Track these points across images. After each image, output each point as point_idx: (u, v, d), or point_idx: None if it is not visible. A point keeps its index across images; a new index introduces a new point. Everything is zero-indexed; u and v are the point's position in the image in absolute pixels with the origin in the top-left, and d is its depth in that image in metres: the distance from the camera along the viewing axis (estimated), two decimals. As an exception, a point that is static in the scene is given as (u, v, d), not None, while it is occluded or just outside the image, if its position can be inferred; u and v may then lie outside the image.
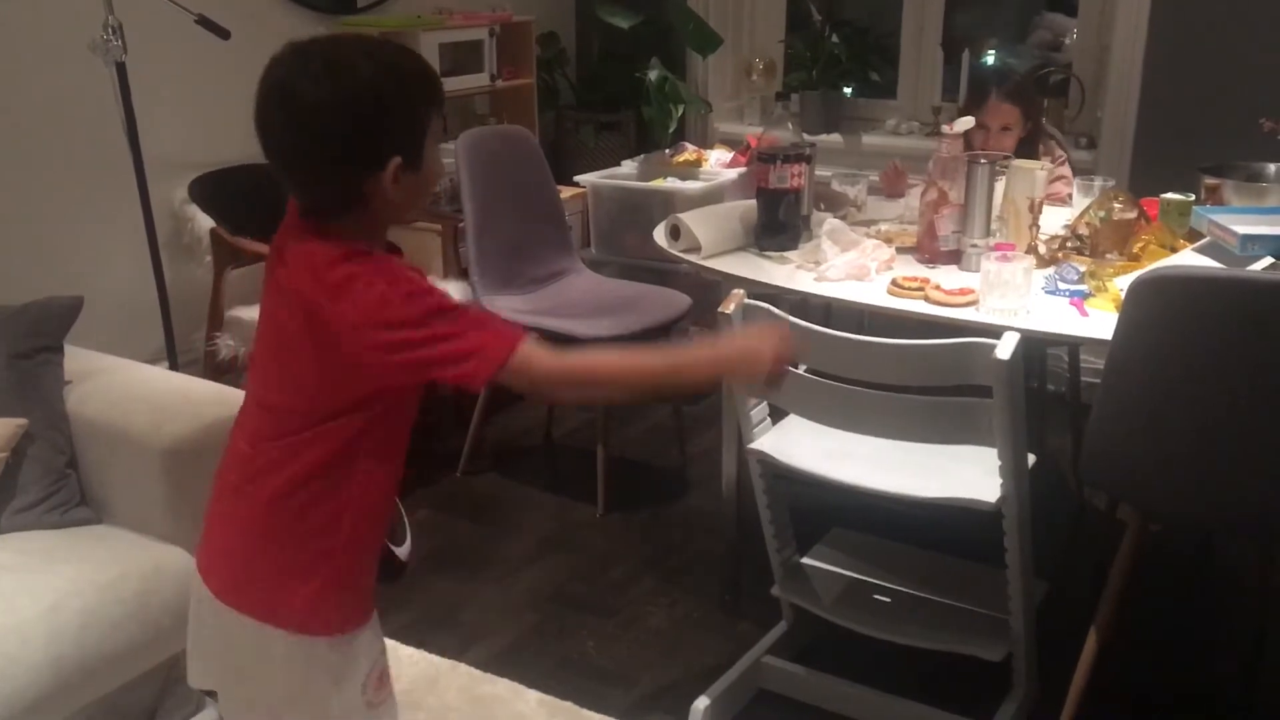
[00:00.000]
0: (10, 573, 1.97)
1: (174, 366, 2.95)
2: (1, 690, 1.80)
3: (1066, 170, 3.10)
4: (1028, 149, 3.09)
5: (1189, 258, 2.31)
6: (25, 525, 2.12)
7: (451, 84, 3.76)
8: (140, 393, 2.27)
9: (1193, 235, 2.43)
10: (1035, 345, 2.94)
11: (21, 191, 2.99)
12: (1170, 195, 2.51)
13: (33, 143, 3.00)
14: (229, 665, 1.55)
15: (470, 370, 1.31)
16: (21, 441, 2.13)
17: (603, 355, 1.38)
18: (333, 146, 1.32)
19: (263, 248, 3.16)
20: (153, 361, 2.70)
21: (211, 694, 2.18)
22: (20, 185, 2.99)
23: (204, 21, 2.86)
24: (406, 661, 2.45)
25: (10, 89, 2.93)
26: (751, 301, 2.10)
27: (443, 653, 2.49)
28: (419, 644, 2.51)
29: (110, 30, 2.71)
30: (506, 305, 3.23)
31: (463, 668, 2.45)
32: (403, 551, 2.89)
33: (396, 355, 1.31)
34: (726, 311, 2.08)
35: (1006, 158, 2.76)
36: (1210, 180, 2.55)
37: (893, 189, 3.04)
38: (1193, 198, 2.51)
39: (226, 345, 3.21)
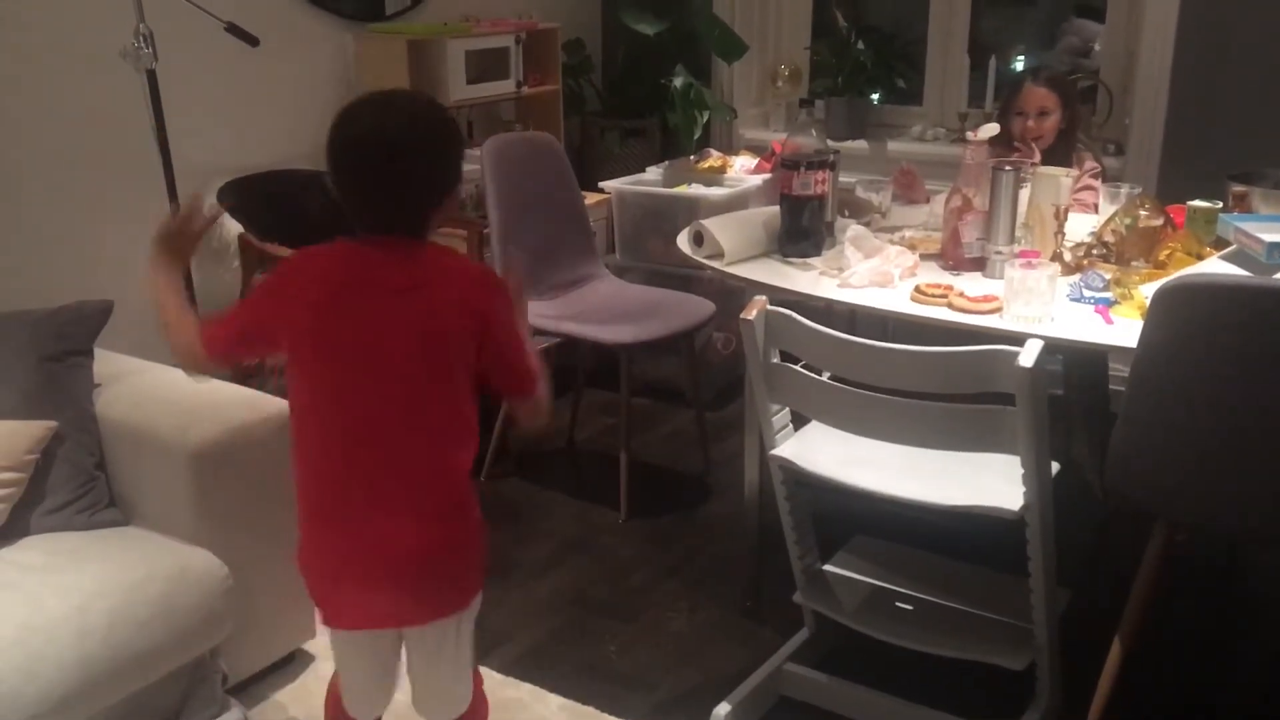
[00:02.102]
0: (39, 573, 2.00)
1: (202, 370, 2.97)
2: (30, 688, 1.82)
3: (1097, 182, 3.08)
4: (1065, 142, 3.09)
5: (1215, 265, 2.30)
6: (54, 526, 2.15)
7: (477, 91, 3.79)
8: (168, 396, 2.30)
9: (1219, 243, 2.42)
10: (1090, 357, 2.93)
11: (53, 197, 3.03)
12: (1197, 203, 2.49)
13: (65, 149, 3.03)
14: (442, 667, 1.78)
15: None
16: (51, 443, 2.16)
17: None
18: (421, 189, 1.64)
19: (289, 253, 3.20)
20: (181, 365, 2.72)
21: (234, 693, 2.21)
22: (52, 191, 3.03)
23: (233, 29, 2.90)
24: (429, 664, 2.46)
25: (43, 96, 2.97)
26: (774, 308, 2.10)
27: (465, 656, 2.50)
28: (442, 647, 2.52)
29: (141, 38, 2.74)
30: (531, 310, 3.23)
31: (485, 671, 2.45)
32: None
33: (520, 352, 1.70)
34: (749, 318, 2.09)
35: (1034, 163, 2.76)
36: (1237, 188, 2.53)
37: (907, 194, 3.03)
38: (1220, 205, 2.49)
39: (254, 349, 3.24)
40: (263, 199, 3.39)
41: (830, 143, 2.70)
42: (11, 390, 2.18)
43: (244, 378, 3.13)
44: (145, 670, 2.02)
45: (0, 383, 2.18)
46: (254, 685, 2.36)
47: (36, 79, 2.95)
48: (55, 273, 2.99)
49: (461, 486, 1.69)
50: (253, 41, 2.92)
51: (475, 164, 3.45)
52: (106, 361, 2.36)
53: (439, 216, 1.67)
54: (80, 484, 2.19)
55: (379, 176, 1.61)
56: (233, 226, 3.33)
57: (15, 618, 1.88)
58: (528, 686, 2.41)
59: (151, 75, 2.78)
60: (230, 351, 1.77)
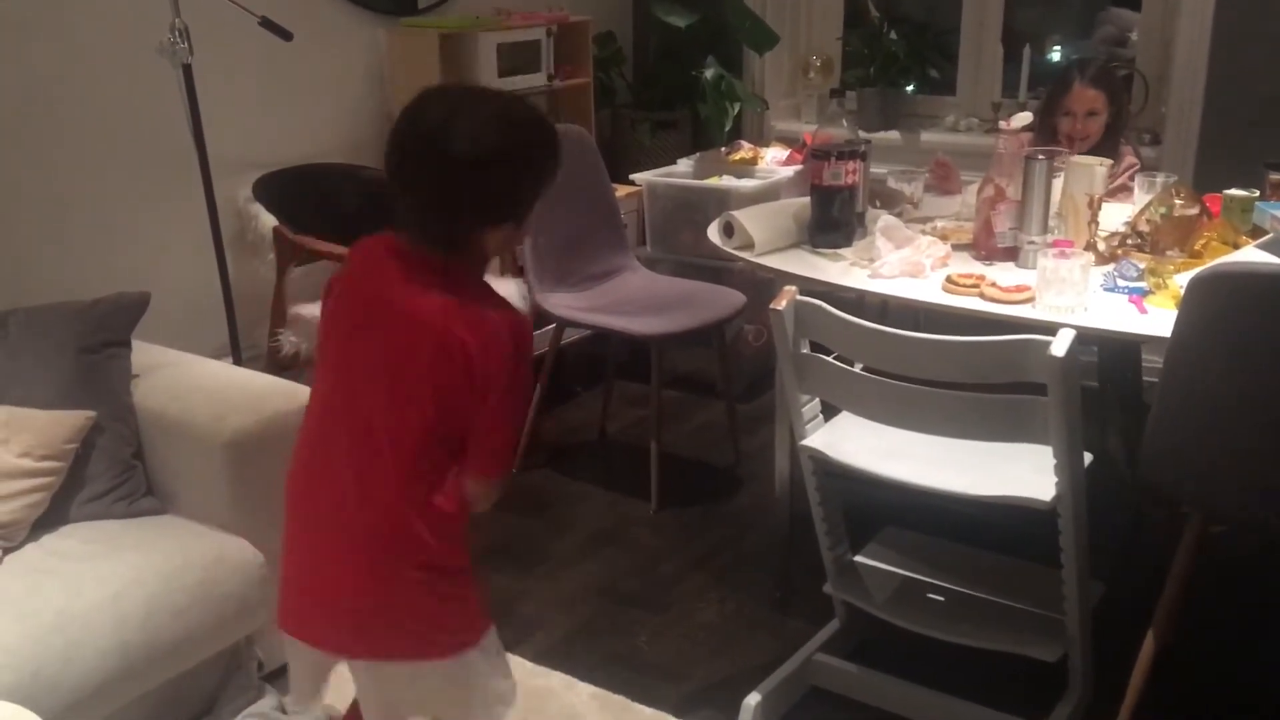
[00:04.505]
0: (79, 560, 2.03)
1: (238, 361, 3.01)
2: (70, 674, 1.86)
3: (1133, 183, 3.05)
4: (1110, 138, 3.05)
5: (1250, 254, 2.27)
6: (93, 515, 2.18)
7: (509, 84, 3.79)
8: (205, 386, 2.33)
9: (1256, 232, 2.39)
10: (1126, 349, 2.90)
11: (92, 191, 3.07)
12: (1233, 191, 2.46)
13: (103, 143, 3.07)
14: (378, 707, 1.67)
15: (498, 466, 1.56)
16: (90, 433, 2.19)
17: None
18: (466, 203, 1.45)
19: (323, 245, 3.23)
20: (217, 356, 2.76)
21: (270, 680, 2.23)
22: (91, 185, 3.07)
23: (267, 23, 2.92)
24: (461, 653, 2.48)
25: (81, 91, 3.00)
26: (803, 298, 2.09)
27: (497, 645, 2.52)
28: (473, 636, 2.54)
29: (177, 33, 2.77)
30: (561, 302, 3.26)
31: (516, 660, 2.46)
32: (458, 545, 2.93)
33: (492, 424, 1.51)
34: (778, 308, 2.08)
35: (1067, 153, 2.73)
36: (1275, 175, 2.50)
37: (944, 185, 3.01)
38: (1256, 193, 2.46)
39: (289, 341, 3.27)
40: (297, 192, 3.42)
41: (862, 133, 2.70)
42: (51, 381, 2.21)
43: (279, 369, 3.17)
44: (182, 657, 2.05)
45: (40, 373, 2.22)
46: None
47: (75, 74, 2.99)
48: (93, 265, 3.03)
49: (404, 535, 1.52)
50: (286, 36, 2.94)
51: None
52: (144, 353, 2.39)
53: (493, 240, 1.50)
54: (118, 473, 2.22)
55: (423, 182, 1.46)
56: (267, 220, 3.37)
57: (55, 604, 1.91)
58: (558, 675, 2.42)
59: (187, 70, 2.81)
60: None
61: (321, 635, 1.61)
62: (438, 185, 1.45)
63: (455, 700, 1.66)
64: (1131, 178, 3.07)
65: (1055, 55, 4.39)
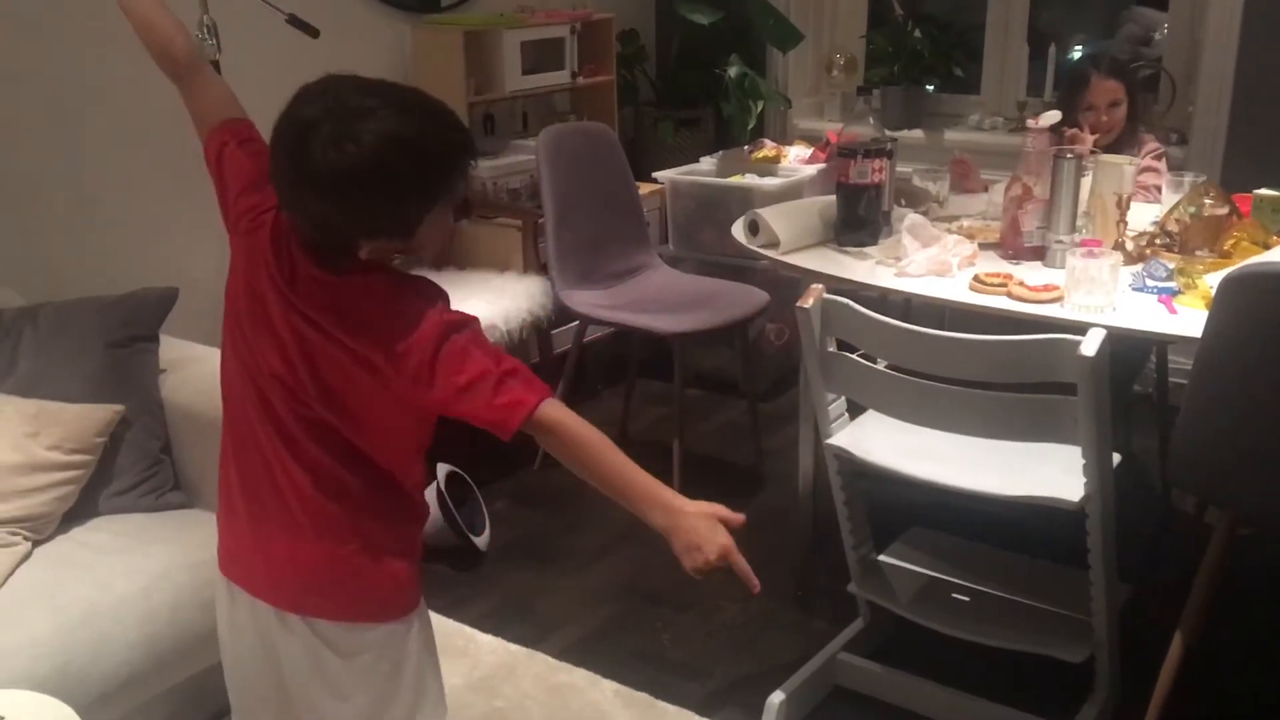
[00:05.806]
0: (107, 554, 2.05)
1: (262, 357, 3.02)
2: (99, 666, 1.87)
3: (1159, 164, 3.04)
4: (1130, 128, 3.05)
5: (1283, 254, 2.26)
6: (122, 508, 2.20)
7: (533, 81, 3.80)
8: (231, 381, 2.33)
9: (1287, 232, 2.37)
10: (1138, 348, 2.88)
11: (121, 187, 3.09)
12: (1263, 191, 2.45)
13: (131, 139, 3.09)
14: (312, 679, 1.51)
15: None
16: (119, 428, 2.21)
17: (593, 438, 1.42)
18: (324, 215, 1.32)
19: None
20: (242, 352, 2.77)
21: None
22: (119, 181, 3.08)
23: (295, 21, 2.92)
24: (485, 649, 2.49)
25: (109, 87, 3.02)
26: (830, 297, 2.09)
27: (520, 642, 2.53)
28: (497, 633, 2.55)
29: (205, 29, 2.78)
30: (585, 299, 3.26)
31: (539, 656, 2.48)
32: (481, 541, 2.94)
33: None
34: (805, 306, 2.08)
35: (1094, 152, 2.72)
36: (1306, 175, 2.49)
37: (963, 184, 3.00)
38: (1287, 193, 2.44)
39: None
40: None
41: (886, 131, 2.69)
42: (80, 375, 2.23)
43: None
44: (209, 650, 2.04)
45: (69, 368, 2.23)
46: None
47: (102, 70, 3.00)
48: (121, 261, 3.04)
49: (340, 514, 1.44)
50: (314, 33, 2.94)
51: (530, 154, 3.48)
52: (171, 347, 2.41)
53: (372, 252, 1.35)
54: (146, 467, 2.23)
55: (285, 182, 1.34)
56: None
57: (84, 597, 1.93)
58: (582, 672, 2.42)
59: (215, 65, 2.82)
60: (211, 152, 1.64)
61: (255, 580, 1.49)
62: (295, 189, 1.32)
63: (385, 689, 1.53)
64: (1158, 157, 3.06)
65: (1077, 54, 4.37)
